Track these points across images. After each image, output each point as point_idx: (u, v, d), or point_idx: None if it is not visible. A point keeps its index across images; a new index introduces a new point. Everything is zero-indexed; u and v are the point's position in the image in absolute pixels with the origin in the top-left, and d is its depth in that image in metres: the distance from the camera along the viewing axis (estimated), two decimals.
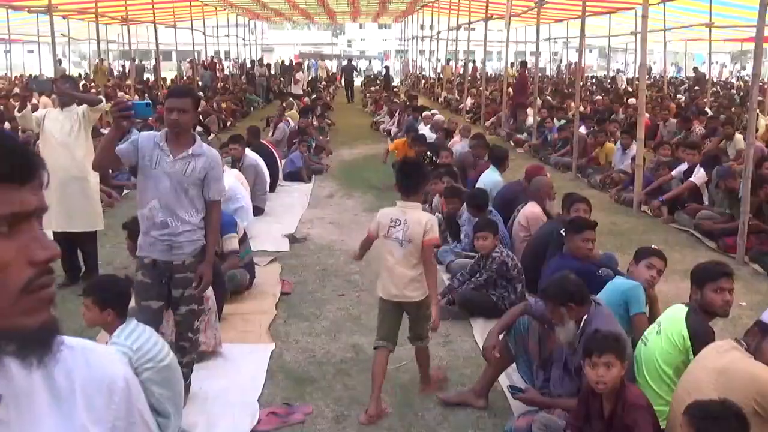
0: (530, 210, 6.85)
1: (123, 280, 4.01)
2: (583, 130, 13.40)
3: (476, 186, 8.70)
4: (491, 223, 6.07)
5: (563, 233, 5.40)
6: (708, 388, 3.23)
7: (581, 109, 18.52)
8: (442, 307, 5.71)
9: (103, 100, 6.87)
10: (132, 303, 4.01)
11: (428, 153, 11.15)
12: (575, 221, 5.36)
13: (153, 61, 32.20)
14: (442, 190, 8.35)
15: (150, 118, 11.43)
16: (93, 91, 17.63)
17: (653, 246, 5.12)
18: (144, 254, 4.25)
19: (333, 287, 6.73)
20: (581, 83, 32.34)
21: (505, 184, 8.34)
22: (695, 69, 31.56)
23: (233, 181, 8.43)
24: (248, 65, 33.89)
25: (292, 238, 8.39)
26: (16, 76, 31.03)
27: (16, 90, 21.12)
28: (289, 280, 6.81)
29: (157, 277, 4.24)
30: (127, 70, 30.20)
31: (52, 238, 6.68)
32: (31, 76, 29.44)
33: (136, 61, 32.24)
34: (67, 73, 32.20)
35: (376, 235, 4.49)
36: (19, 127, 9.71)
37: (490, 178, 8.58)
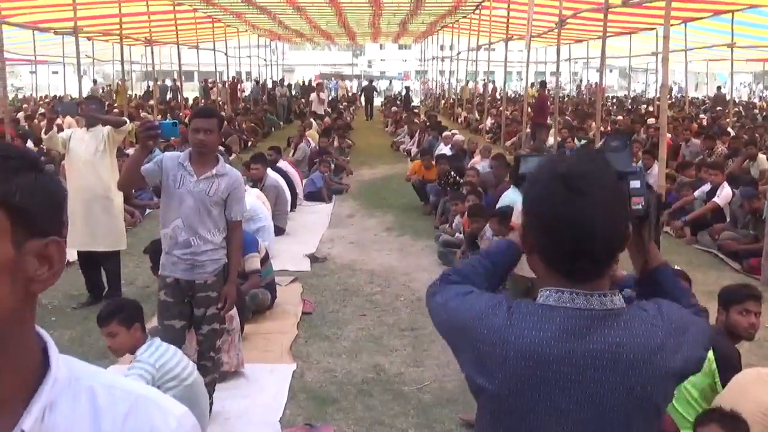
0: None
1: (129, 300, 4.05)
2: None
3: (497, 206, 8.69)
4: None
5: None
6: (757, 426, 3.17)
7: (602, 129, 18.49)
8: None
9: (127, 121, 6.96)
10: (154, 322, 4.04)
11: (452, 173, 11.16)
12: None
13: (171, 82, 32.69)
14: (465, 209, 8.34)
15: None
16: (116, 111, 17.86)
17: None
18: (166, 273, 4.27)
19: (354, 307, 6.72)
20: (602, 103, 32.37)
21: None
22: (718, 88, 31.38)
23: (254, 200, 8.47)
24: (269, 86, 34.19)
25: (313, 258, 8.41)
26: (41, 97, 31.52)
27: (41, 110, 21.45)
28: (309, 300, 6.81)
29: (180, 296, 4.26)
30: (150, 91, 30.62)
31: (75, 257, 6.77)
32: (56, 97, 29.87)
33: (159, 82, 32.71)
34: (101, 92, 32.78)
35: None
36: (44, 147, 9.86)
37: (511, 199, 8.53)
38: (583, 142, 15.56)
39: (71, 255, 6.56)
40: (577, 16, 16.53)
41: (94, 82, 35.00)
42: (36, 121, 18.85)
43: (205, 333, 4.33)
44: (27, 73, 35.30)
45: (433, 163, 11.90)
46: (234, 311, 4.94)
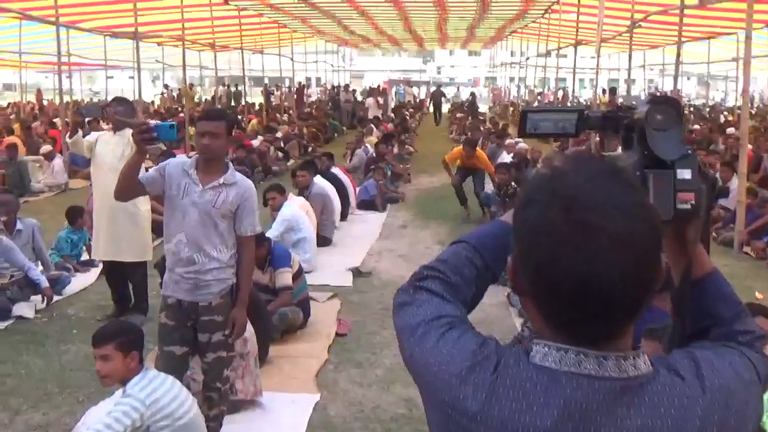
0: None
1: (134, 324, 3.61)
2: None
3: None
4: None
5: None
6: None
7: None
8: None
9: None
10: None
11: (512, 183, 10.54)
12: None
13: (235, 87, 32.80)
14: None
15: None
16: (181, 115, 17.79)
17: (757, 296, 4.35)
18: (168, 293, 3.84)
19: (393, 330, 6.15)
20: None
21: None
22: None
23: (297, 210, 8.05)
24: (334, 91, 34.07)
25: (357, 272, 7.91)
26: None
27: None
28: (346, 321, 6.30)
29: (182, 319, 3.81)
30: (218, 96, 30.82)
31: (101, 266, 6.44)
32: (91, 100, 30.26)
33: (229, 87, 32.90)
34: (169, 94, 33.19)
35: None
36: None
37: None
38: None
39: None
40: (650, 20, 15.64)
41: (165, 86, 35.45)
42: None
43: (210, 361, 3.87)
44: (103, 79, 35.89)
45: (474, 153, 11.67)
46: (250, 332, 4.47)
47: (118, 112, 5.96)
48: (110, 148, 5.95)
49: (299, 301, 6.06)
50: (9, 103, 31.97)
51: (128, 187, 3.78)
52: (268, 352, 5.25)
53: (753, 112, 32.52)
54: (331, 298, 6.99)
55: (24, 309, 6.36)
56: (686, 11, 11.73)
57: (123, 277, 6.29)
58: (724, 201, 10.63)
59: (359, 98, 32.76)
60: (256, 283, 5.84)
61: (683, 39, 12.65)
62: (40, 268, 7.17)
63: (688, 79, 41.47)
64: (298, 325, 6.00)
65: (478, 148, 11.92)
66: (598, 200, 0.97)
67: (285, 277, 5.90)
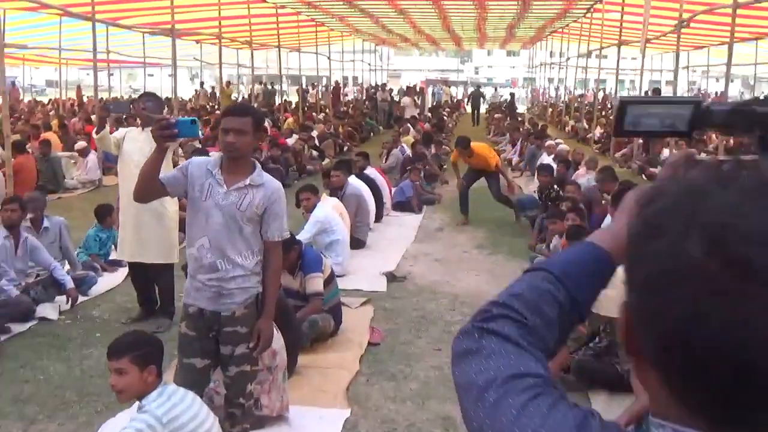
0: None
1: (152, 335, 3.36)
2: None
3: (602, 226, 7.66)
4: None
5: None
6: None
7: (724, 142, 16.90)
8: (554, 375, 4.81)
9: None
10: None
11: (554, 186, 10.15)
12: None
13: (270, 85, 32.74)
14: (564, 229, 7.35)
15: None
16: (218, 113, 17.68)
17: None
18: (189, 302, 3.58)
19: (429, 339, 5.86)
20: None
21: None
22: None
23: (330, 211, 7.78)
24: (372, 90, 33.84)
25: (391, 277, 7.60)
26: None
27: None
28: (379, 329, 6.00)
29: (204, 329, 3.56)
30: (255, 94, 30.79)
31: (126, 267, 6.23)
32: (121, 97, 30.31)
33: (266, 86, 32.84)
34: (208, 92, 33.22)
35: None
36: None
37: None
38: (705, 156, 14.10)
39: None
40: (696, 20, 15.08)
41: (201, 84, 35.54)
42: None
43: (233, 375, 3.60)
44: (147, 77, 36.10)
45: (470, 152, 10.58)
46: (279, 343, 4.20)
47: (147, 108, 5.71)
48: (138, 145, 5.72)
49: (330, 307, 5.77)
50: (50, 100, 32.32)
51: (148, 188, 3.52)
52: (296, 362, 4.98)
53: None
54: (364, 304, 6.69)
55: (48, 310, 6.17)
56: (737, 11, 11.16)
57: (149, 279, 6.07)
58: None
59: (395, 98, 32.47)
60: (286, 289, 5.58)
61: (734, 39, 12.09)
62: (67, 267, 7.00)
63: (732, 81, 40.53)
64: (329, 332, 5.71)
65: (474, 145, 10.65)
66: (763, 229, 0.65)
67: (316, 283, 5.62)
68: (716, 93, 40.39)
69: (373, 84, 37.09)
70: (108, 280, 7.22)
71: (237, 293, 3.51)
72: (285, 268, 5.52)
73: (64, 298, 6.36)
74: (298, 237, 7.12)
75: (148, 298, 6.14)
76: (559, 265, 1.04)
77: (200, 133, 3.60)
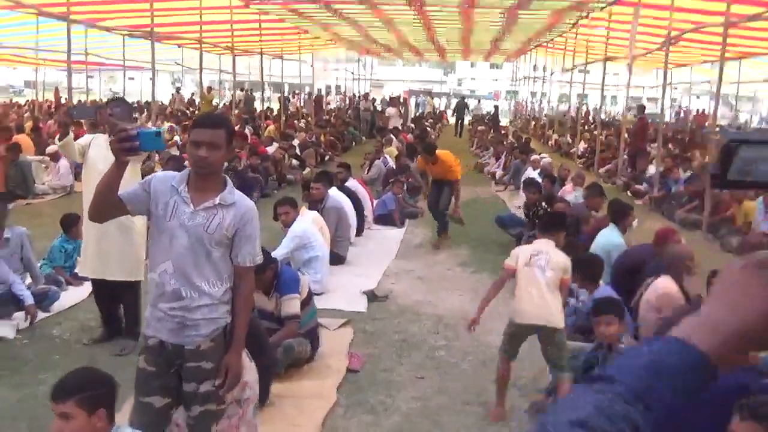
0: (664, 286, 5.45)
1: (104, 373, 2.99)
2: None
3: (592, 246, 7.38)
4: (617, 304, 4.74)
5: None
6: None
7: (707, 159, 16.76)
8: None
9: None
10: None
11: (542, 203, 9.87)
12: None
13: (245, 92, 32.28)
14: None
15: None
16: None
17: None
18: (150, 333, 3.22)
19: (412, 365, 5.53)
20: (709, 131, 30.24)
21: (628, 249, 6.94)
22: None
23: (309, 226, 7.44)
24: (356, 99, 33.58)
25: (372, 296, 7.26)
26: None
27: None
28: (358, 354, 5.65)
29: (165, 364, 3.20)
30: (237, 100, 30.36)
31: (90, 284, 5.84)
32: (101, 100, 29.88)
33: (248, 92, 32.40)
34: (185, 98, 32.70)
35: (515, 267, 4.65)
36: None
37: (609, 240, 7.21)
38: (689, 173, 13.89)
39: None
40: (684, 37, 14.92)
41: (177, 89, 34.99)
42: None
43: (196, 416, 3.24)
44: (127, 81, 35.50)
45: (434, 158, 9.70)
46: (253, 374, 3.84)
47: (114, 114, 5.34)
48: (104, 153, 5.31)
49: (307, 330, 5.42)
50: (26, 101, 31.71)
51: (104, 205, 3.16)
52: (269, 392, 4.62)
53: None
54: (343, 325, 6.35)
55: (4, 328, 5.76)
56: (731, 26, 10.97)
57: (113, 297, 5.69)
58: None
59: (379, 107, 32.17)
60: (260, 310, 5.24)
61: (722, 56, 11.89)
62: (29, 280, 6.59)
63: (711, 99, 40.65)
64: (306, 358, 5.36)
65: (440, 152, 9.82)
66: None
67: (292, 305, 5.26)
68: (698, 110, 40.54)
69: (358, 93, 36.83)
70: (72, 295, 6.81)
71: (203, 324, 3.16)
72: (260, 288, 5.18)
73: (22, 314, 5.95)
74: (275, 253, 6.79)
75: (111, 318, 5.75)
76: (637, 377, 0.72)
77: (165, 145, 3.22)
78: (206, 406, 3.24)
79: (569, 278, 4.76)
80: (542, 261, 4.60)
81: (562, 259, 4.69)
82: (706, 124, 34.80)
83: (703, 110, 40.16)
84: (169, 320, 3.15)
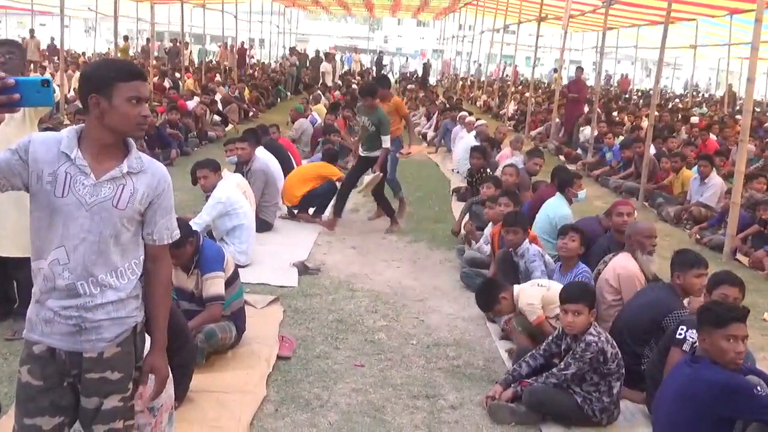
0: (623, 266, 5.04)
1: None
2: (652, 150, 11.50)
3: (537, 217, 6.96)
4: (588, 291, 4.29)
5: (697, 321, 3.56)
6: None
7: (634, 123, 16.67)
8: (502, 406, 4.07)
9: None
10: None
11: (487, 169, 9.46)
12: (718, 310, 3.49)
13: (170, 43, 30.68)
14: (497, 215, 6.62)
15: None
16: None
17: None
18: (35, 338, 2.55)
19: (349, 351, 4.98)
20: (627, 96, 30.42)
21: (579, 221, 6.53)
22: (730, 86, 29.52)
23: (233, 190, 6.75)
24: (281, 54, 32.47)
25: (303, 268, 6.66)
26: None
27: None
28: (290, 337, 5.06)
29: (56, 377, 2.52)
30: (166, 49, 28.78)
31: None
32: None
33: (177, 43, 30.79)
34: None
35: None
36: None
37: (556, 210, 6.80)
38: (621, 138, 13.67)
39: None
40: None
41: (31, 33, 32.10)
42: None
43: None
44: (37, 26, 33.00)
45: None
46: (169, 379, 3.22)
47: (6, 61, 4.51)
48: None
49: (232, 312, 4.79)
50: None
51: None
52: (188, 388, 4.01)
53: (698, 100, 32.30)
54: (272, 303, 5.74)
55: None
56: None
57: (6, 274, 4.93)
58: (703, 197, 9.73)
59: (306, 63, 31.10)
60: (178, 289, 4.59)
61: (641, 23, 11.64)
62: None
63: (632, 63, 41.06)
64: (230, 344, 4.74)
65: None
66: None
67: (215, 285, 4.61)
68: (622, 75, 40.96)
69: (282, 47, 35.69)
70: None
71: (106, 326, 2.51)
72: (177, 265, 4.53)
73: None
74: (194, 222, 6.12)
75: (4, 297, 5.00)
76: None
77: (53, 99, 2.51)
78: (111, 425, 2.59)
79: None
80: None
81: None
82: (628, 89, 35.25)
83: (626, 75, 40.61)
84: (62, 322, 2.48)
